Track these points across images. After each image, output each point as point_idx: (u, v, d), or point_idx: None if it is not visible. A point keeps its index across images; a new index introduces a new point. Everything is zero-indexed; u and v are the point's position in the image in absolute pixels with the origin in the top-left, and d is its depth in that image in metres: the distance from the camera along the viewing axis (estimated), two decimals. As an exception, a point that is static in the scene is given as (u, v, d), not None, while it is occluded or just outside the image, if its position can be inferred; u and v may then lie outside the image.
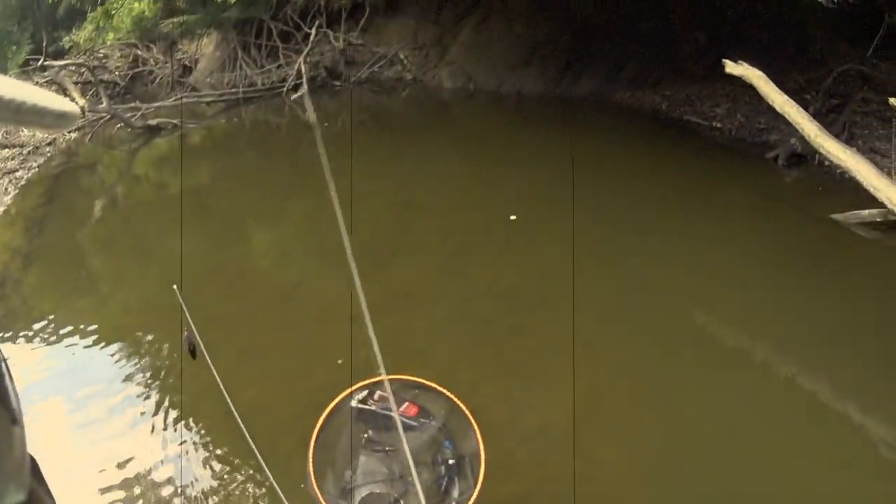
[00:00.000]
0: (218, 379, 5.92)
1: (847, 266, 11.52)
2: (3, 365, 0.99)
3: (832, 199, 13.21)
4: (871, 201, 11.79)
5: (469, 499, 5.29)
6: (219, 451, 7.71)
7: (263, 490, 6.83)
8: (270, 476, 5.93)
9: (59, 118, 0.98)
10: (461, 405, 5.82)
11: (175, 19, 26.68)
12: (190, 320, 6.15)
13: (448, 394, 5.90)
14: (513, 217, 12.83)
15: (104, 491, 7.25)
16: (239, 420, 5.90)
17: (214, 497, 7.12)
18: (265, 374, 9.26)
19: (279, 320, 10.61)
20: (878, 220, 12.03)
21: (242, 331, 10.30)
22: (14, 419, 0.97)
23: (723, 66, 14.32)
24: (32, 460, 1.06)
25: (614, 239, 12.26)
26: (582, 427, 7.23)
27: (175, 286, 6.42)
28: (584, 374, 8.09)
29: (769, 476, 6.99)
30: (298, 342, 9.98)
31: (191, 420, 8.27)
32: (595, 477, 6.77)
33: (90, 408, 8.84)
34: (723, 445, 7.55)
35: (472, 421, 5.73)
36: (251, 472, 7.16)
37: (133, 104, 23.83)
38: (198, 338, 6.11)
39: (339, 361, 8.94)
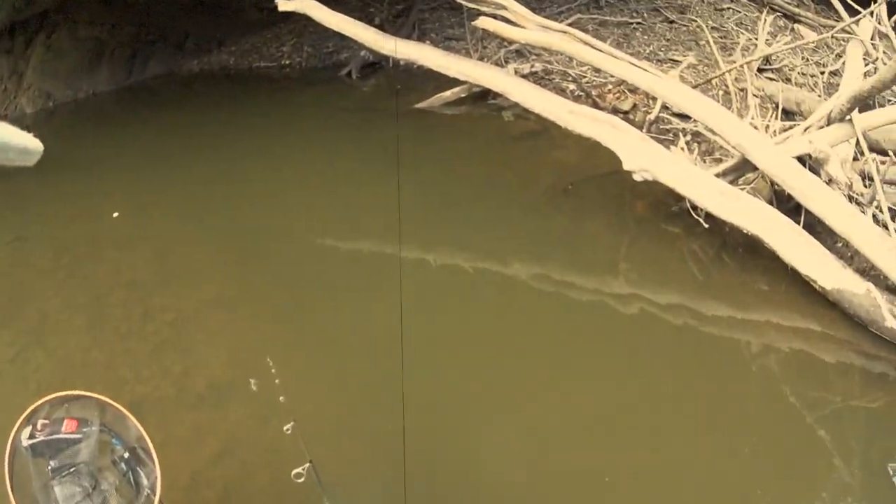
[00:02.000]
0: None
1: (446, 139, 12.23)
2: None
3: (416, 93, 13.65)
4: (451, 83, 12.40)
5: (156, 478, 5.39)
6: None
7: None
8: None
9: (22, 153, 1.09)
10: (107, 400, 5.70)
11: None
12: None
13: (93, 395, 5.75)
14: (115, 214, 11.94)
15: None
16: None
17: None
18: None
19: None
20: (463, 95, 12.78)
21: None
22: None
23: (276, 7, 14.24)
24: None
25: (229, 184, 12.24)
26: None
27: None
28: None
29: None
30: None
31: None
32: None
33: None
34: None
35: (121, 408, 5.66)
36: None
37: None
38: None
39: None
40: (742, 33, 14.28)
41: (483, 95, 12.51)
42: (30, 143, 1.04)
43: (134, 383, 7.96)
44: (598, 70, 12.14)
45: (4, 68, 24.93)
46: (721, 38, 14.33)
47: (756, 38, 13.52)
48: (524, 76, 12.49)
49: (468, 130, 12.25)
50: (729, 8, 15.95)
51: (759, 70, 12.43)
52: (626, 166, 8.91)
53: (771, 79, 12.22)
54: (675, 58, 13.69)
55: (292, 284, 9.19)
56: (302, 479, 5.23)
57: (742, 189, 8.82)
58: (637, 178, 8.89)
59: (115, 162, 14.97)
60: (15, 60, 24.82)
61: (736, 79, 11.93)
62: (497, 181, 10.50)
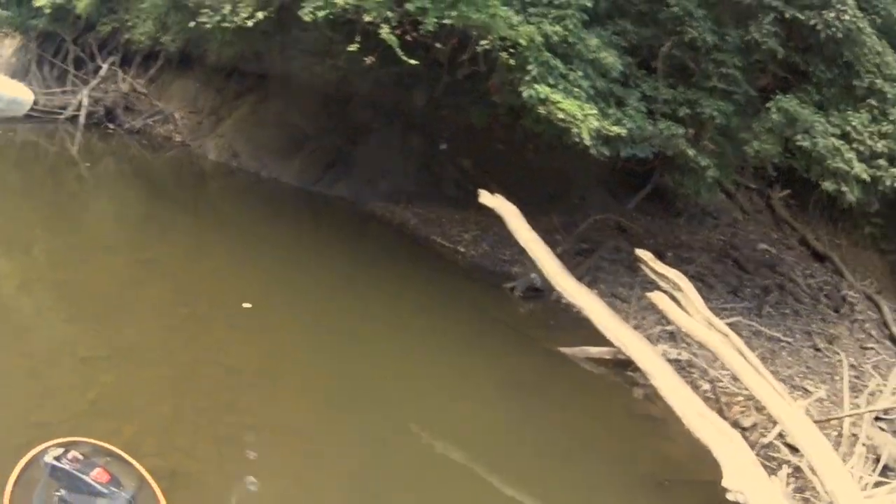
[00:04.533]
0: None
1: (570, 395, 12.13)
2: None
3: (564, 333, 13.86)
4: (602, 341, 12.41)
5: None
6: None
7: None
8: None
9: (12, 103, 0.89)
10: (152, 482, 5.83)
11: (-16, 9, 25.93)
12: None
13: (140, 468, 5.92)
14: (247, 305, 12.79)
15: None
16: None
17: None
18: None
19: (13, 349, 10.36)
20: (607, 357, 12.72)
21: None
22: None
23: (479, 196, 14.86)
24: None
25: (347, 339, 12.54)
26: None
27: None
28: (296, 458, 8.28)
29: None
30: (28, 373, 9.72)
31: None
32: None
33: None
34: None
35: (162, 498, 5.78)
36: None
37: None
38: None
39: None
40: (874, 377, 14.25)
41: (624, 363, 12.42)
42: (20, 94, 0.93)
43: (185, 460, 8.27)
44: (735, 379, 11.99)
45: (209, 104, 26.01)
46: (855, 377, 14.29)
47: (885, 385, 13.56)
48: (669, 360, 12.40)
49: (595, 395, 12.28)
50: (872, 348, 16.15)
51: (876, 417, 12.23)
52: (725, 483, 8.90)
53: (882, 428, 12.04)
54: (808, 387, 13.63)
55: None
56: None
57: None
58: (730, 497, 8.82)
59: (264, 251, 16.16)
60: (221, 102, 25.68)
61: (853, 423, 11.76)
62: (598, 452, 10.44)
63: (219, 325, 12.31)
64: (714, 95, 14.37)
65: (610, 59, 13.46)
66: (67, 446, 5.67)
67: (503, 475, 9.32)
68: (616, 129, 13.07)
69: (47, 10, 23.64)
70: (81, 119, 24.79)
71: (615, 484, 9.63)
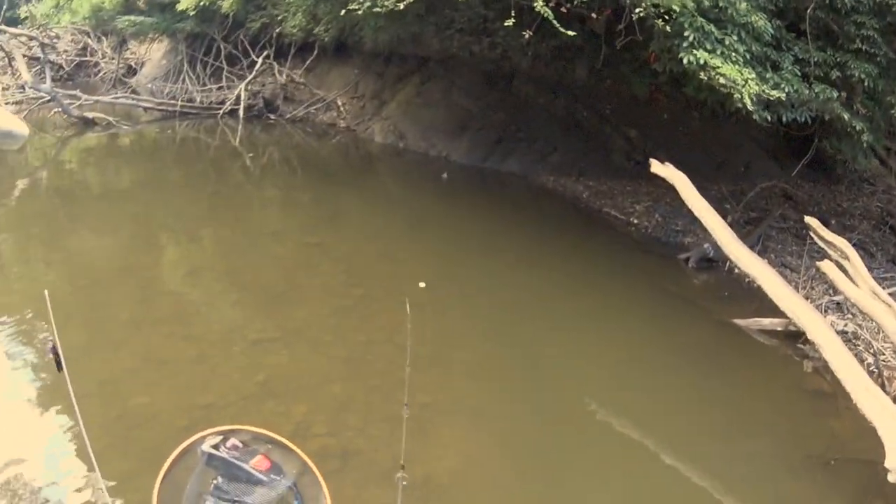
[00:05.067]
0: (71, 391, 5.57)
1: (742, 367, 11.83)
2: None
3: (737, 304, 13.50)
4: (774, 311, 12.04)
5: None
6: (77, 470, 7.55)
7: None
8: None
9: (7, 137, 0.87)
10: (314, 467, 5.79)
11: (132, 17, 26.74)
12: (55, 331, 5.70)
13: (302, 454, 5.86)
14: (422, 284, 12.79)
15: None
16: (86, 437, 5.65)
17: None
18: (159, 383, 9.23)
19: (182, 334, 10.65)
20: (779, 328, 12.38)
21: (141, 337, 10.36)
22: None
23: (649, 166, 14.59)
24: None
25: (519, 316, 12.46)
26: (463, 483, 7.38)
27: (46, 292, 5.93)
28: (472, 436, 8.23)
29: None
30: (196, 358, 10.00)
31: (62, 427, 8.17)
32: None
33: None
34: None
35: (324, 485, 5.72)
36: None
37: (74, 92, 23.79)
38: (59, 349, 5.68)
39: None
40: None
41: (796, 335, 12.05)
42: (16, 127, 0.86)
43: (356, 439, 8.47)
44: (898, 352, 11.64)
45: (370, 88, 26.36)
46: None
47: None
48: (836, 331, 11.79)
49: (766, 367, 11.98)
50: None
51: None
52: (888, 464, 8.46)
53: None
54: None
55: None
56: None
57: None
58: (891, 478, 8.39)
59: (436, 231, 16.33)
60: (382, 86, 26.02)
61: None
62: (766, 427, 10.21)
63: (392, 305, 12.19)
64: (860, 58, 13.93)
65: (761, 22, 13.09)
66: (226, 434, 5.66)
67: (672, 449, 9.21)
68: (775, 94, 12.74)
69: (192, 13, 24.35)
70: (241, 112, 25.45)
71: (783, 460, 9.39)
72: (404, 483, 5.36)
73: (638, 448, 9.32)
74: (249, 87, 26.21)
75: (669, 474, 8.84)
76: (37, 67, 26.66)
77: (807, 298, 12.90)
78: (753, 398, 10.88)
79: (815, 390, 11.35)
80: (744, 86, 12.47)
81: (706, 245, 15.22)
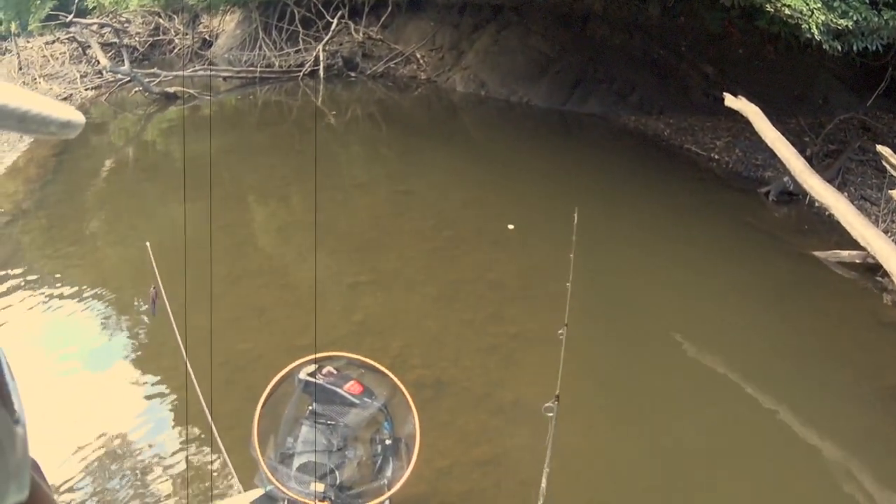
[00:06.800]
0: (178, 334, 6.03)
1: (821, 300, 11.92)
2: (4, 363, 0.99)
3: (817, 237, 13.55)
4: (853, 244, 12.04)
5: (401, 478, 5.50)
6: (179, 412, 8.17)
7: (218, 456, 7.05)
8: (220, 442, 6.20)
9: (64, 126, 0.96)
10: (404, 390, 5.93)
11: (201, -8, 27.02)
12: (158, 277, 6.31)
13: (393, 377, 6.00)
14: (510, 226, 13.18)
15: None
16: (196, 385, 6.07)
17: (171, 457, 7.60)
18: (260, 329, 9.83)
19: (278, 284, 11.22)
20: (857, 261, 12.35)
21: (240, 289, 10.90)
22: (16, 419, 0.98)
23: (723, 100, 14.65)
24: (33, 461, 1.06)
25: (605, 253, 12.59)
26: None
27: (147, 243, 6.66)
28: (557, 369, 8.48)
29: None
30: (293, 305, 10.49)
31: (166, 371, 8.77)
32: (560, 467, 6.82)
33: (70, 361, 9.43)
34: (692, 457, 8.02)
35: (413, 406, 5.88)
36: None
37: (152, 70, 24.24)
38: (162, 294, 6.27)
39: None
40: None
41: (874, 268, 12.02)
42: (72, 116, 0.93)
43: (450, 369, 8.87)
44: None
45: (447, 39, 26.48)
46: None
47: None
48: None
49: (845, 300, 11.99)
50: None
51: None
52: None
53: None
54: None
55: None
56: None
57: None
58: None
59: (521, 174, 16.59)
60: (459, 37, 26.14)
61: None
62: (844, 359, 10.17)
63: (482, 245, 12.78)
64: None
65: (826, -51, 13.07)
66: (322, 362, 5.88)
67: (752, 380, 9.38)
68: (843, 22, 12.64)
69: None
70: (321, 73, 25.65)
71: (860, 392, 9.43)
72: (551, 414, 5.41)
73: (721, 379, 9.54)
74: (327, 48, 26.32)
75: (751, 405, 9.01)
76: (111, 52, 27.09)
77: (886, 233, 12.78)
78: (832, 330, 10.94)
79: (893, 323, 11.31)
80: (810, 15, 12.42)
81: (786, 179, 15.06)
